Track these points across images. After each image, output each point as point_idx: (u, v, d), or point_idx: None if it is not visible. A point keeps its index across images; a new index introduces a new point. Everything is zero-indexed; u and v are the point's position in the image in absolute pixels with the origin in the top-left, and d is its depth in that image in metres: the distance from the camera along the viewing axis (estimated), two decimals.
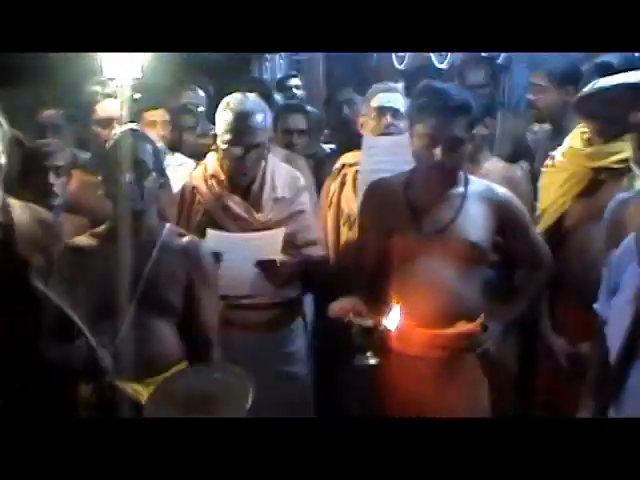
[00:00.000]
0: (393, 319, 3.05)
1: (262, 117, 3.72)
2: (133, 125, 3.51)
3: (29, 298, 3.24)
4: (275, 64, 11.29)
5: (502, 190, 3.42)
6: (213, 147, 3.87)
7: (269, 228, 3.72)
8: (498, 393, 3.50)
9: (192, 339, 3.28)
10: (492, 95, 5.31)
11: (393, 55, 8.09)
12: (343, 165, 4.34)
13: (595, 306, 2.83)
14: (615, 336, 2.66)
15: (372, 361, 3.15)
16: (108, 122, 4.48)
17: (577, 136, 3.66)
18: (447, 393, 3.32)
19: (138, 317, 3.11)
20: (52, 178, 3.86)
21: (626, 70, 3.45)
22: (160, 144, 3.88)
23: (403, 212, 3.31)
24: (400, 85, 5.16)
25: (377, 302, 3.23)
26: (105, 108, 4.55)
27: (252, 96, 3.84)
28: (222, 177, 3.79)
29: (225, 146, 3.69)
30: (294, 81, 8.01)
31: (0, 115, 3.29)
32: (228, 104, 3.72)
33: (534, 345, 3.88)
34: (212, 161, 3.86)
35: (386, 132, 4.14)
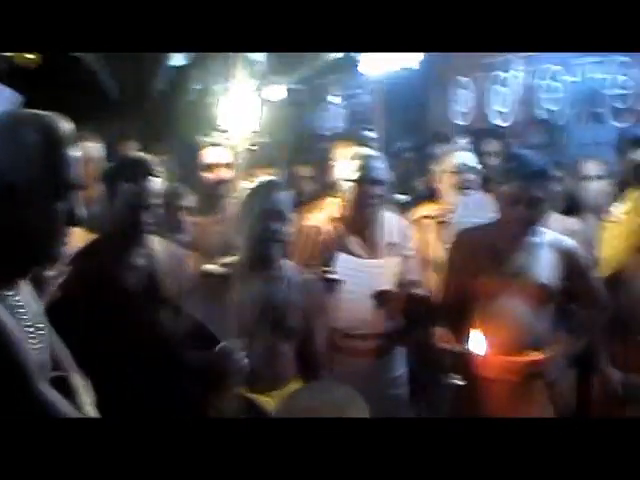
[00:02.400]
0: (478, 346, 3.62)
1: (384, 164, 4.32)
2: (272, 177, 4.08)
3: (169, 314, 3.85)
4: (337, 113, 11.85)
5: (569, 241, 3.99)
6: (336, 194, 4.41)
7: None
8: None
9: (306, 361, 3.79)
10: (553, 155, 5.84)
11: (459, 115, 8.60)
12: (422, 217, 4.93)
13: None
14: None
15: (459, 382, 3.74)
16: (213, 168, 4.99)
17: (637, 196, 4.21)
18: (518, 414, 3.83)
19: (268, 340, 3.64)
20: (184, 216, 4.39)
21: None
22: None
23: (487, 257, 3.89)
24: (465, 142, 5.78)
25: (461, 332, 3.82)
26: (212, 155, 5.03)
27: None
28: (346, 221, 4.31)
29: (354, 185, 4.23)
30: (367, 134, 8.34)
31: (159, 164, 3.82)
32: (357, 153, 4.33)
33: (592, 376, 4.38)
34: (335, 206, 4.40)
35: (466, 188, 4.74)
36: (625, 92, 6.44)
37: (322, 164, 6.11)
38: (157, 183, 3.64)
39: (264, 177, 3.95)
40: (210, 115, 5.63)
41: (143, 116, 7.39)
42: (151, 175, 3.61)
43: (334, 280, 4.04)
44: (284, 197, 3.72)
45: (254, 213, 3.63)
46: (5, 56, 7.15)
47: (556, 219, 4.70)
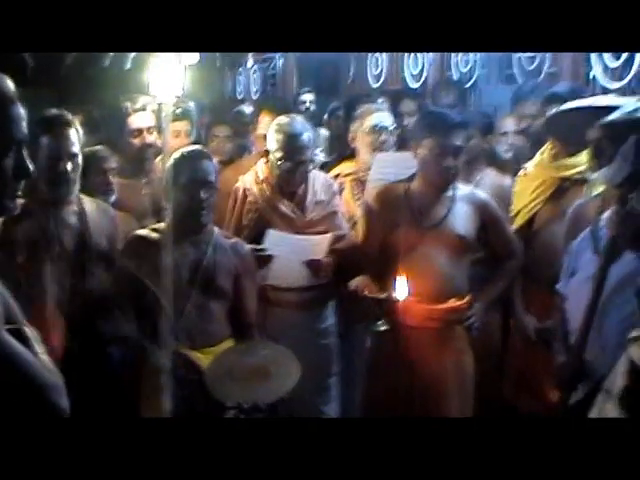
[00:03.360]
0: (400, 292, 3.79)
1: (308, 137, 4.36)
2: (199, 146, 4.20)
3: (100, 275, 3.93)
4: (249, 78, 11.89)
5: (482, 194, 4.20)
6: (265, 159, 4.49)
7: (311, 226, 4.38)
8: (480, 361, 4.24)
9: (237, 321, 3.95)
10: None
11: (369, 73, 8.69)
12: (337, 175, 5.08)
13: (557, 286, 3.56)
14: (573, 309, 3.35)
15: (383, 328, 3.91)
16: (139, 132, 5.07)
17: (546, 150, 4.40)
18: (439, 358, 4.08)
19: (198, 299, 3.78)
20: (110, 178, 4.47)
21: (572, 99, 4.20)
22: None
23: (405, 211, 4.06)
24: (383, 103, 5.91)
25: (383, 282, 3.99)
26: (136, 120, 5.09)
27: (299, 118, 4.53)
28: (272, 183, 4.41)
29: (277, 162, 4.32)
30: (308, 97, 8.19)
31: (76, 120, 3.91)
32: (280, 126, 4.35)
33: (508, 322, 4.62)
34: (263, 168, 4.49)
35: (381, 147, 4.90)
36: (533, 53, 6.58)
37: (240, 126, 6.26)
38: (74, 134, 3.78)
39: (190, 147, 4.07)
40: (129, 80, 5.64)
41: (60, 82, 7.33)
42: (68, 126, 3.76)
43: (267, 256, 4.20)
44: (211, 166, 3.85)
45: (182, 183, 3.72)
46: None
47: (488, 174, 4.93)
